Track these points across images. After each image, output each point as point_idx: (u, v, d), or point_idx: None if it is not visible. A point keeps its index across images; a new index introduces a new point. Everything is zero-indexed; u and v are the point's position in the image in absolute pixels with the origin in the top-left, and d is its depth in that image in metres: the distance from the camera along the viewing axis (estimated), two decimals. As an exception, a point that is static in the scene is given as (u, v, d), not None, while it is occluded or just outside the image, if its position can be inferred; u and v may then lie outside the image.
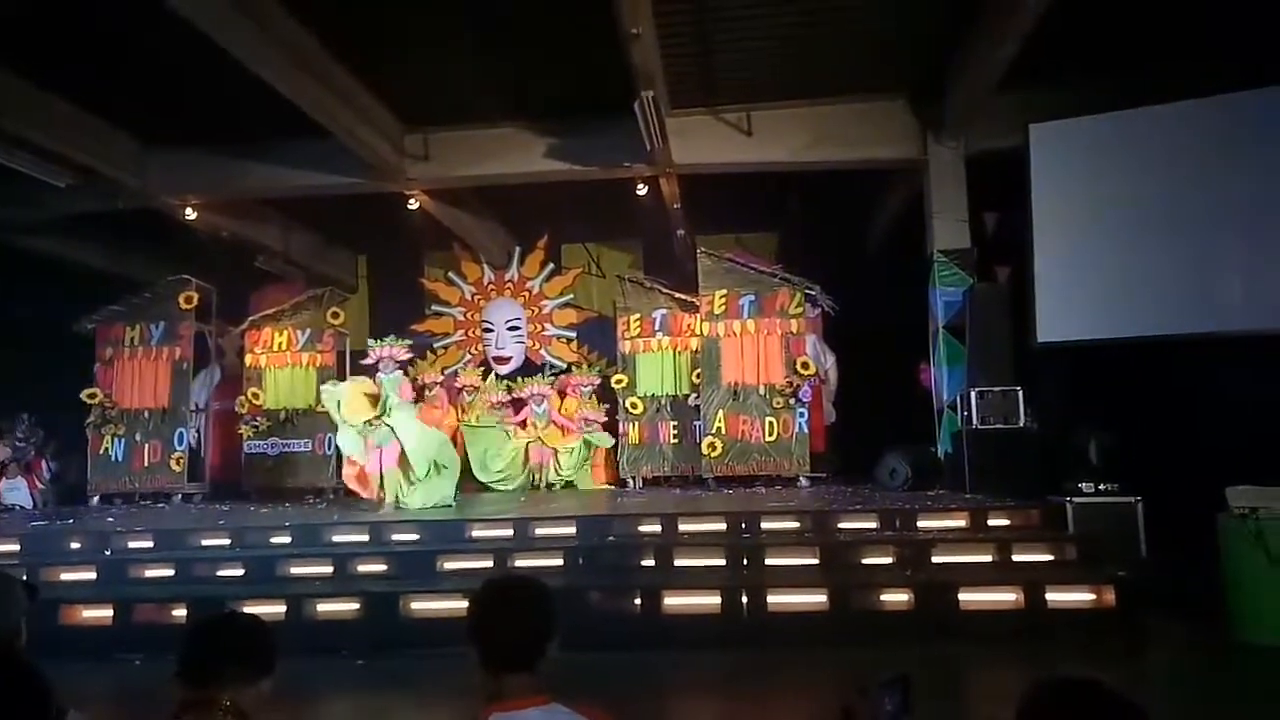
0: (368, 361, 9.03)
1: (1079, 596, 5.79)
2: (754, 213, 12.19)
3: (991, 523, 6.90)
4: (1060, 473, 7.29)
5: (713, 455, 10.40)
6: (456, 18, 7.95)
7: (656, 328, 11.39)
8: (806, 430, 10.44)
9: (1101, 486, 6.89)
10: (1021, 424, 8.41)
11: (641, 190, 10.50)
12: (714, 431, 10.42)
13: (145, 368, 11.09)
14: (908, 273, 10.20)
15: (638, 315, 11.45)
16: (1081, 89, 8.66)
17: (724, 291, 10.67)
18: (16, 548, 7.32)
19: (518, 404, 11.75)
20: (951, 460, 9.06)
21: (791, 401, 10.37)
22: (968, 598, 5.78)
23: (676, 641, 5.67)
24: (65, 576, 6.74)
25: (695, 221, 11.95)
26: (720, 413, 10.45)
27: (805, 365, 10.46)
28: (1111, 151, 8.54)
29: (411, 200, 10.76)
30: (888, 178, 10.87)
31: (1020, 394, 8.46)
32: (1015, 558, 6.31)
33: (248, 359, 11.59)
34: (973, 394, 8.56)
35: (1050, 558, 6.35)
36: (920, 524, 6.90)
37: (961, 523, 6.94)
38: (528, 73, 8.97)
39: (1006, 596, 5.81)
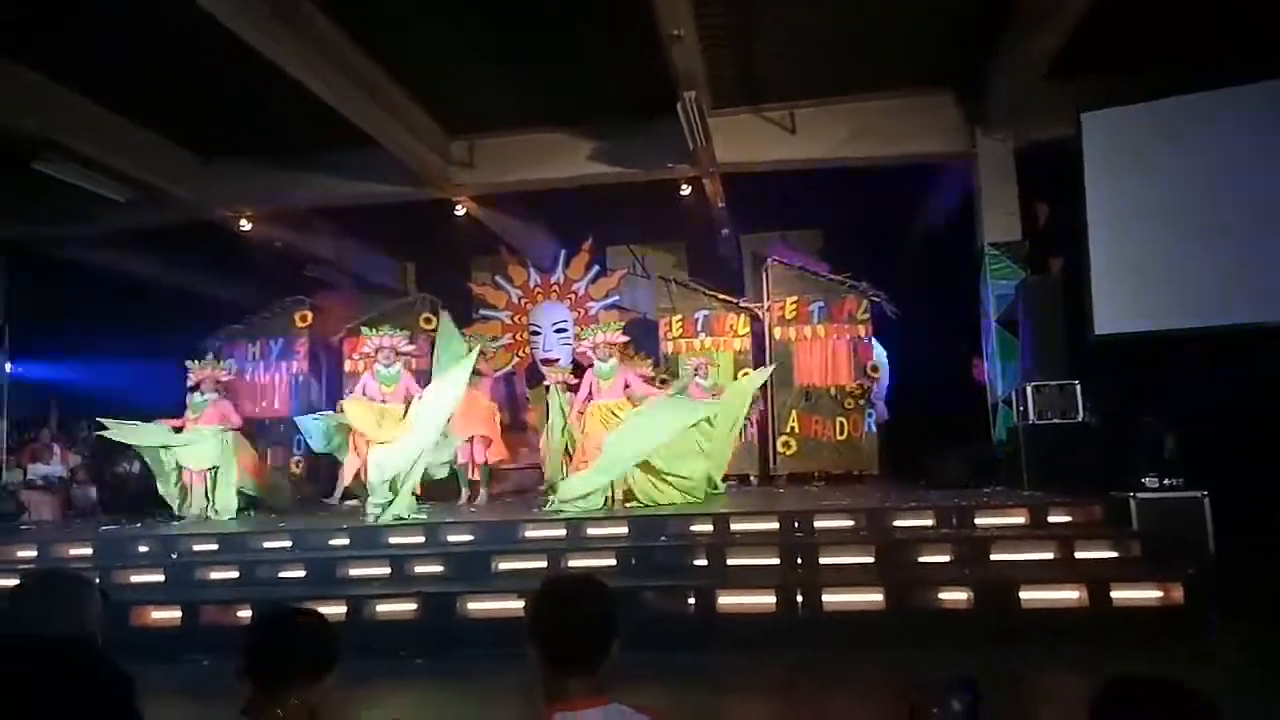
0: (367, 350, 9.01)
1: (1145, 594, 5.63)
2: (799, 209, 12.10)
3: (1052, 519, 6.75)
4: (1121, 468, 7.12)
5: (787, 454, 10.64)
6: (498, 25, 8.04)
7: (699, 328, 11.40)
8: (874, 430, 10.67)
9: (1167, 481, 6.70)
10: (1080, 418, 8.23)
11: (685, 191, 10.51)
12: (788, 431, 10.70)
13: (265, 381, 11.62)
14: (958, 266, 10.05)
15: (680, 316, 11.46)
16: (1133, 76, 8.45)
17: (794, 298, 11.01)
18: (90, 551, 7.56)
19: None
20: (1008, 456, 8.89)
21: (861, 402, 10.67)
22: (1029, 596, 5.66)
23: (731, 641, 5.65)
24: (135, 579, 6.94)
25: (739, 220, 11.92)
26: (794, 413, 10.74)
27: (875, 369, 10.78)
28: (1166, 139, 8.31)
29: (458, 206, 10.90)
30: (935, 171, 10.71)
31: (1078, 388, 8.28)
32: (1078, 555, 6.16)
33: (347, 365, 11.76)
34: (1029, 389, 8.40)
35: (1114, 555, 6.20)
36: (978, 521, 6.79)
37: (1021, 519, 6.81)
38: (570, 77, 9.02)
39: (1069, 595, 5.68)
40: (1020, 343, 9.06)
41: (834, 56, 8.74)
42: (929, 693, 1.75)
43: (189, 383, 9.42)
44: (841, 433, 10.62)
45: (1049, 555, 6.23)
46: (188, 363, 9.53)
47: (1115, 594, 5.60)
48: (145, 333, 11.44)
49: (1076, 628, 5.45)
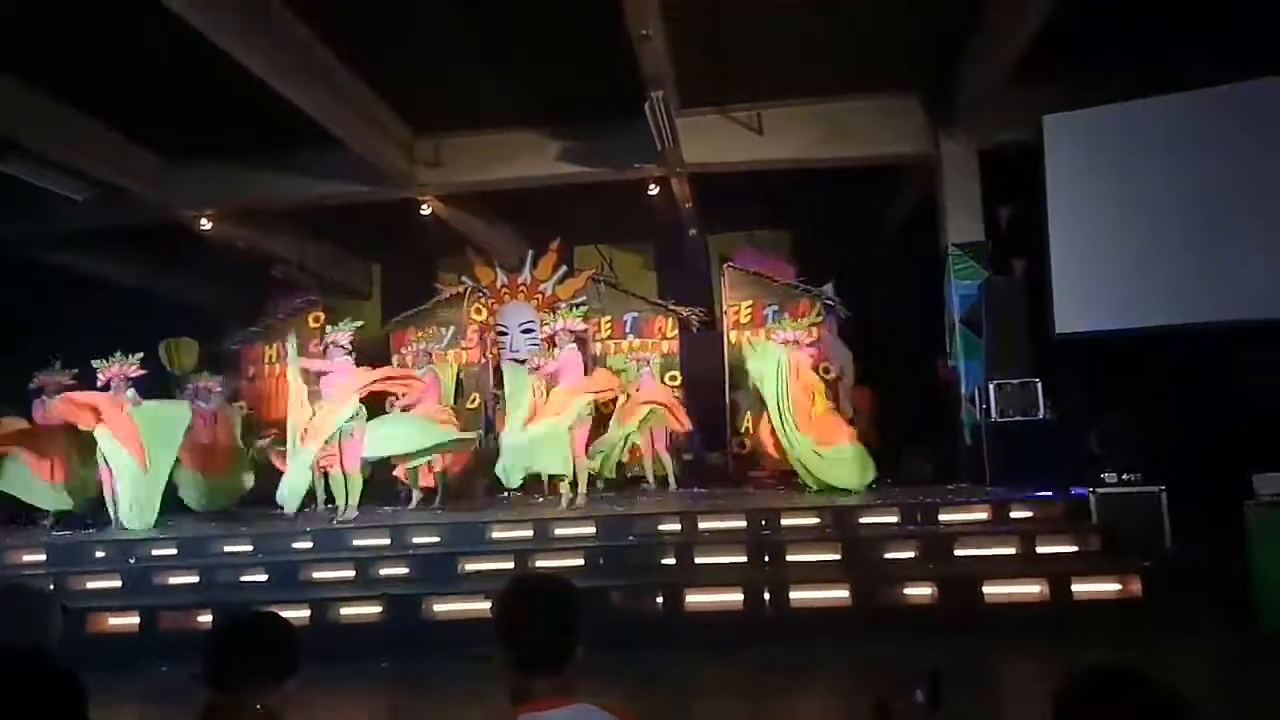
0: (332, 341, 8.83)
1: (1105, 587, 5.76)
2: (766, 210, 12.17)
3: (1014, 515, 6.87)
4: (1082, 464, 7.24)
5: (744, 454, 10.75)
6: (465, 23, 7.99)
7: (628, 330, 11.49)
8: None
9: (1125, 477, 6.83)
10: (1041, 416, 8.36)
11: (653, 190, 10.51)
12: (743, 431, 10.78)
13: (283, 383, 11.00)
14: (922, 267, 10.16)
15: (609, 317, 11.61)
16: (1094, 79, 8.59)
17: (749, 302, 11.16)
18: (43, 557, 7.39)
19: None
20: (971, 453, 9.01)
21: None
22: (992, 590, 5.75)
23: (699, 639, 5.67)
24: (91, 585, 6.80)
25: (707, 220, 11.95)
26: (748, 414, 10.77)
27: (827, 369, 10.68)
28: (1126, 141, 8.48)
29: (424, 206, 10.80)
30: (900, 173, 10.83)
31: (1039, 386, 8.41)
32: (1039, 550, 6.29)
33: (394, 360, 11.60)
34: (991, 386, 8.52)
35: (1074, 549, 6.33)
36: (942, 518, 6.89)
37: (983, 516, 6.91)
38: (537, 76, 8.98)
39: (1031, 589, 5.79)
40: (984, 342, 9.18)
41: (801, 59, 8.79)
42: (893, 686, 1.76)
43: (99, 382, 8.96)
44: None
45: (1011, 550, 6.35)
46: (94, 362, 9.03)
47: (1076, 587, 5.72)
48: (110, 334, 11.17)
49: (1038, 621, 5.55)
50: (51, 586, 6.30)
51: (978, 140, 9.56)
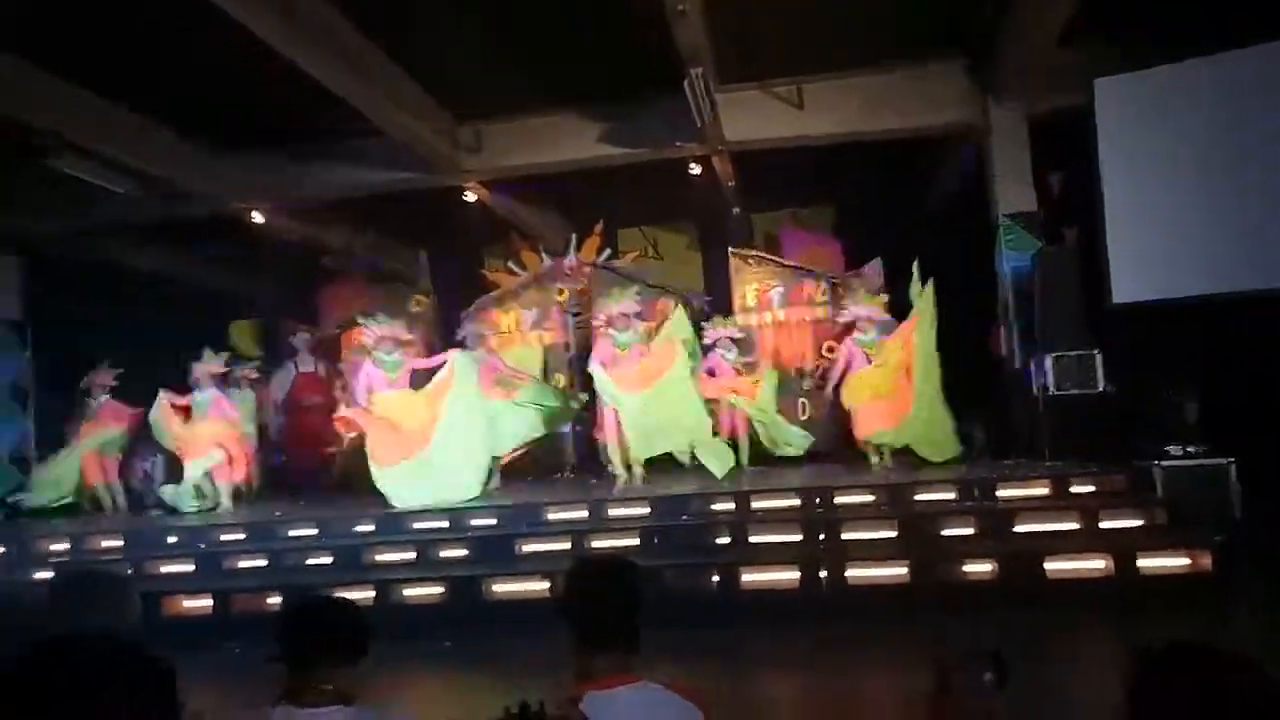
0: (366, 340, 8.99)
1: (1173, 562, 5.63)
2: (810, 186, 12.03)
3: (1075, 490, 6.74)
4: (1143, 436, 7.07)
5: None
6: (503, 8, 8.00)
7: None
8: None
9: (1190, 449, 6.66)
10: (1099, 388, 8.18)
11: (695, 170, 10.44)
12: None
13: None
14: (972, 238, 9.97)
15: (755, 286, 11.44)
16: (1146, 39, 8.31)
17: (755, 286, 11.15)
18: (120, 543, 7.67)
19: None
20: (1027, 428, 8.85)
21: (821, 384, 10.55)
22: (1054, 566, 5.67)
23: (756, 617, 5.69)
24: (166, 569, 7.04)
25: (750, 198, 11.85)
26: None
27: (831, 349, 10.58)
28: (1181, 103, 8.20)
29: (468, 193, 10.88)
30: (946, 143, 10.61)
31: (1097, 357, 8.23)
32: (1102, 524, 6.16)
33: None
34: (1047, 359, 8.35)
35: (1140, 523, 6.19)
36: (1000, 493, 6.78)
37: (1043, 491, 6.80)
38: (575, 58, 8.95)
39: (1095, 564, 5.69)
40: (1038, 314, 8.99)
41: (841, 29, 8.64)
42: (955, 664, 1.75)
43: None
44: (804, 413, 10.66)
45: (1073, 525, 6.23)
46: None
47: (1142, 562, 5.60)
48: (163, 328, 11.48)
49: (1103, 597, 5.47)
50: (130, 571, 6.53)
51: (1026, 107, 9.33)
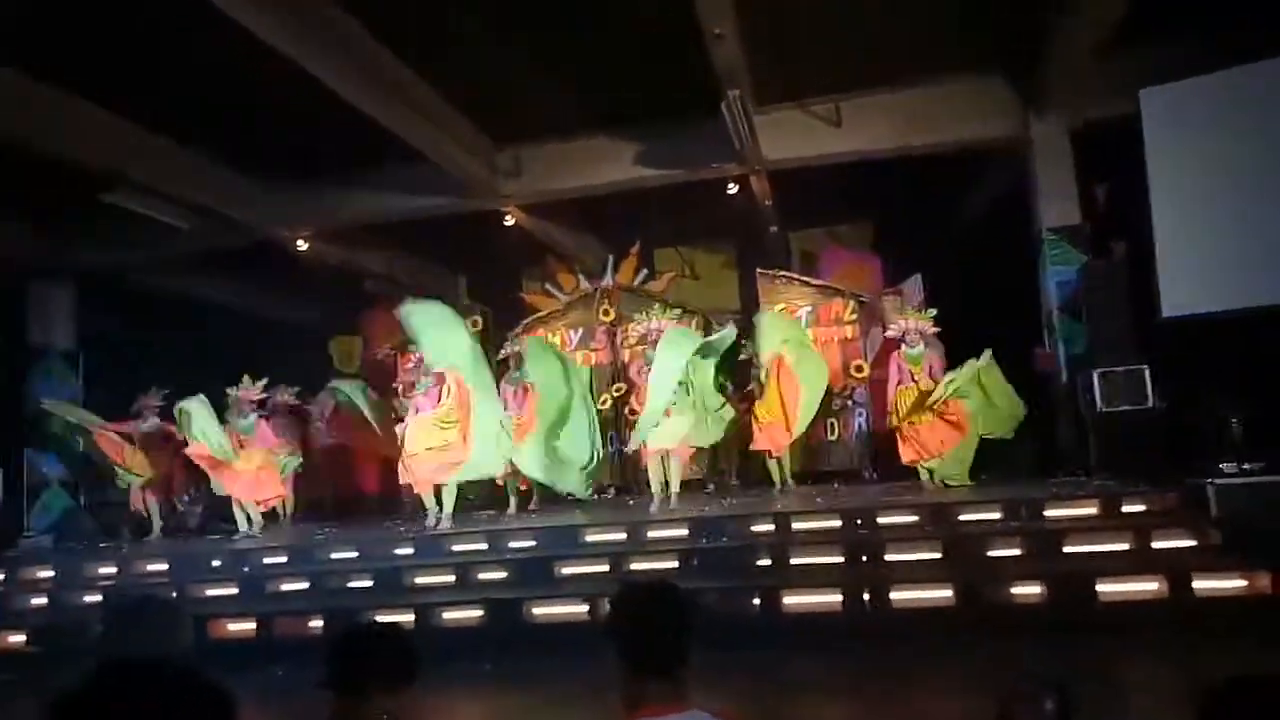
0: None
1: (1229, 583, 5.44)
2: (848, 203, 11.97)
3: (1126, 509, 6.55)
4: (1196, 454, 6.87)
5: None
6: (540, 34, 8.10)
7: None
8: (867, 428, 10.48)
9: (1245, 466, 6.45)
10: (1149, 404, 7.97)
11: (732, 190, 10.45)
12: None
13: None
14: (1014, 253, 9.82)
15: (635, 324, 11.36)
16: (1192, 48, 8.15)
17: (781, 306, 10.97)
18: (165, 566, 7.80)
19: None
20: (1074, 445, 8.65)
21: (849, 403, 10.56)
22: (1106, 588, 5.51)
23: (798, 640, 5.59)
24: (209, 593, 7.14)
25: (787, 216, 11.83)
26: None
27: (859, 368, 10.60)
28: (1231, 111, 8.02)
29: (507, 217, 11.00)
30: (987, 157, 10.49)
31: (1147, 373, 8.03)
32: (1155, 545, 5.98)
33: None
34: (1095, 376, 8.16)
35: (1194, 543, 5.99)
36: (1048, 513, 6.62)
37: (1093, 510, 6.61)
38: (612, 82, 9.04)
39: (1148, 586, 5.52)
40: (1085, 329, 8.82)
41: (878, 46, 8.61)
42: (1018, 693, 1.70)
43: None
44: (832, 433, 10.55)
45: (1125, 546, 6.05)
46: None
47: (1197, 584, 5.42)
48: (210, 355, 11.71)
49: (1157, 619, 5.27)
50: (175, 594, 6.63)
51: (1069, 118, 9.20)
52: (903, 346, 8.94)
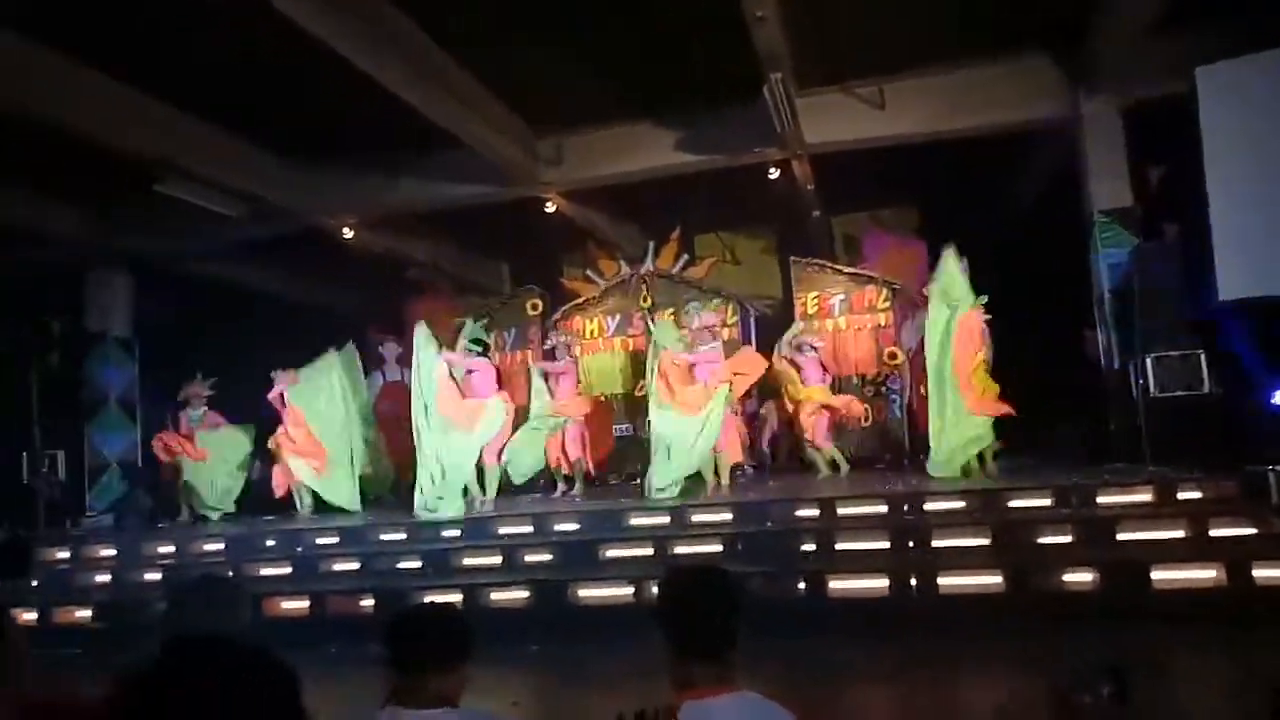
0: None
1: (1292, 573, 5.30)
2: (891, 187, 11.82)
3: (1181, 496, 6.42)
4: (1256, 440, 6.70)
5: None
6: (579, 20, 8.10)
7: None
8: (900, 414, 10.55)
9: (1309, 453, 6.28)
10: (1205, 389, 7.79)
11: (773, 174, 10.37)
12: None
13: (505, 371, 11.41)
14: (1063, 236, 9.62)
15: (670, 310, 11.40)
16: (1248, 24, 7.87)
17: (816, 293, 11.22)
18: (221, 546, 8.02)
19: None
20: (1126, 432, 8.49)
21: (883, 389, 10.69)
22: (1161, 576, 5.41)
23: (844, 626, 5.58)
24: (264, 572, 7.32)
25: (830, 200, 11.72)
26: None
27: (893, 355, 10.68)
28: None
29: (548, 204, 11.05)
30: (1034, 138, 10.28)
31: (1202, 357, 7.84)
32: (1212, 532, 5.85)
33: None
34: (1148, 360, 7.99)
35: (1254, 531, 5.85)
36: (1101, 500, 6.51)
37: (1147, 497, 6.49)
38: (653, 67, 9.02)
39: (1205, 574, 5.41)
40: (1137, 313, 8.62)
41: (922, 27, 8.47)
42: (1074, 679, 1.69)
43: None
44: (867, 419, 10.60)
45: (1180, 533, 5.94)
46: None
47: (1257, 572, 5.30)
48: (262, 343, 11.93)
49: (1215, 608, 5.17)
50: (231, 573, 6.81)
51: (1120, 98, 8.97)
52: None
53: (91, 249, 11.70)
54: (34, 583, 7.43)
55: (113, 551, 8.26)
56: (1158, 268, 8.50)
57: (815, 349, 9.86)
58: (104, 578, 7.70)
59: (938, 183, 11.10)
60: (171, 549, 8.11)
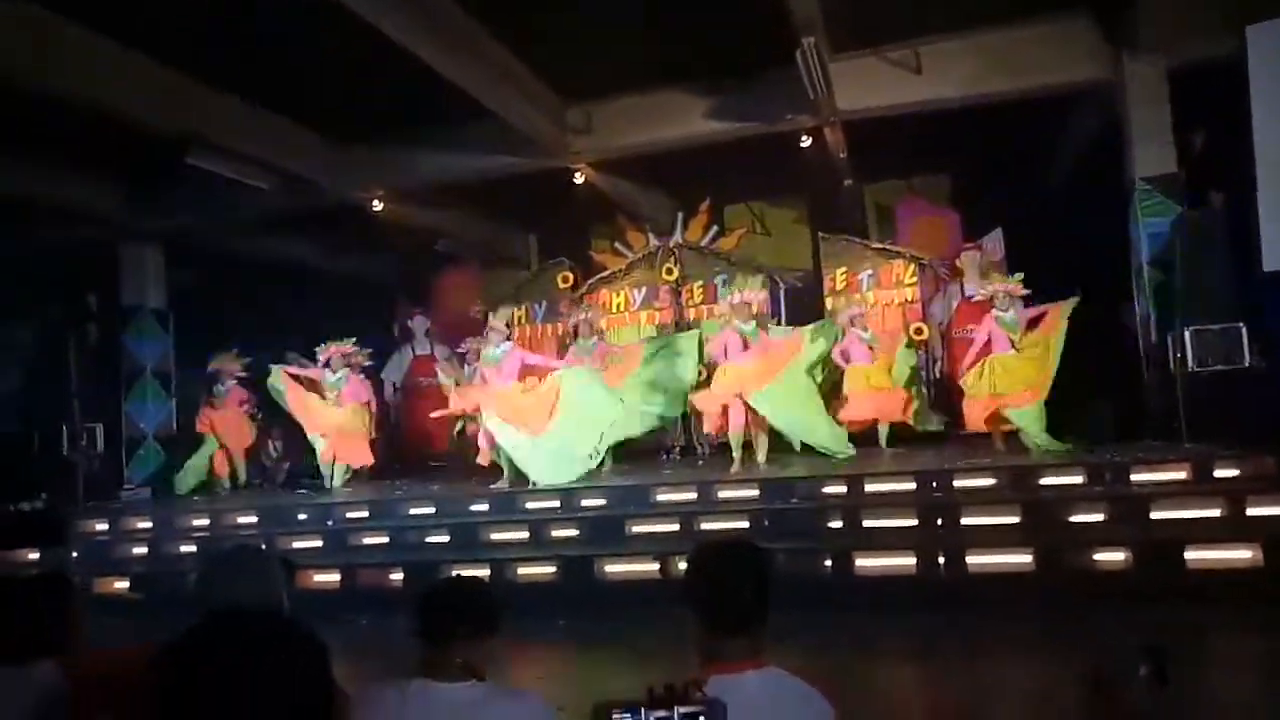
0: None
1: (1333, 553, 5.17)
2: (925, 154, 11.57)
3: (1218, 474, 6.27)
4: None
5: None
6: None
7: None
8: (928, 391, 10.48)
9: (1353, 430, 6.10)
10: (1246, 364, 7.58)
11: (805, 142, 10.18)
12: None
13: (534, 344, 11.57)
14: (1103, 204, 9.37)
15: (700, 283, 11.33)
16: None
17: (843, 269, 11.15)
18: (255, 519, 8.15)
19: None
20: (1163, 407, 8.30)
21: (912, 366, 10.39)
22: (1195, 556, 5.31)
23: (871, 603, 5.56)
24: (296, 544, 7.44)
25: (862, 169, 11.51)
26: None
27: (919, 331, 10.59)
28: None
29: (577, 174, 10.96)
30: (1074, 102, 9.98)
31: (1244, 330, 7.62)
32: (1250, 511, 5.72)
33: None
34: (1187, 333, 7.78)
35: (1294, 510, 5.71)
36: (1134, 478, 6.39)
37: (1182, 475, 6.35)
38: (682, 34, 8.84)
39: (1242, 554, 5.30)
40: (1179, 283, 8.39)
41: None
42: (1111, 659, 1.65)
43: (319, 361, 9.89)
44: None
45: (1216, 512, 5.81)
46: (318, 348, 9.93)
47: (1296, 553, 5.17)
48: (294, 315, 12.05)
49: (1252, 589, 5.07)
50: (263, 545, 6.93)
51: (1165, 59, 8.64)
52: (994, 310, 8.63)
53: (125, 223, 11.83)
54: (74, 554, 7.63)
55: (149, 524, 8.44)
56: (1201, 236, 8.24)
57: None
58: (141, 550, 7.89)
59: (973, 150, 10.84)
60: (206, 521, 8.28)
